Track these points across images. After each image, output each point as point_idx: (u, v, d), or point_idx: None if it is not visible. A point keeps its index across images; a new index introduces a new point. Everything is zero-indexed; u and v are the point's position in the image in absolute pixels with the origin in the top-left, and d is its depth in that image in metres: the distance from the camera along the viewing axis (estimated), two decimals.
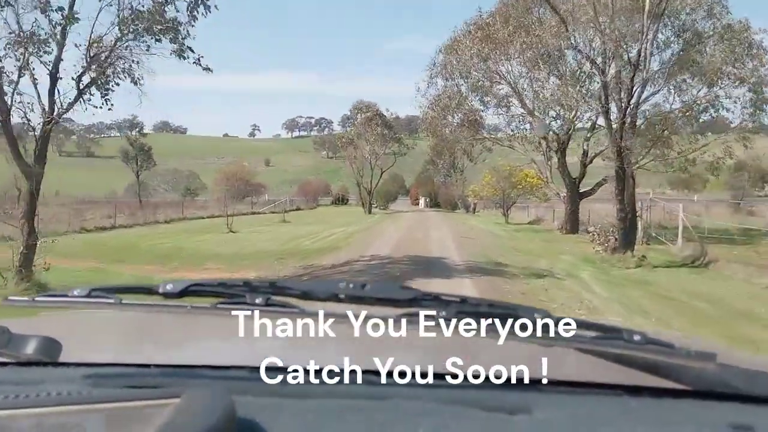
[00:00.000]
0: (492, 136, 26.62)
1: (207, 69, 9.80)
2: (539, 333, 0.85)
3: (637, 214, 15.77)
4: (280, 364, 0.96)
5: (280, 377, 0.92)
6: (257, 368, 0.95)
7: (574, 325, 0.87)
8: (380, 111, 44.68)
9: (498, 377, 0.96)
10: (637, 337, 0.85)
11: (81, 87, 9.03)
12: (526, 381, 0.96)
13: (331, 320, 0.90)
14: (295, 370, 0.94)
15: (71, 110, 9.01)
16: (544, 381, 0.96)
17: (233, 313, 0.92)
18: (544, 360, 1.00)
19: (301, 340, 1.12)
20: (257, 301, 0.92)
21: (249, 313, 0.91)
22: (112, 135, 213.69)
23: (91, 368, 0.97)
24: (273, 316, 0.94)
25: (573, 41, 16.62)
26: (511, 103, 25.66)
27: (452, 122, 27.21)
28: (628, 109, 14.11)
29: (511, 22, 21.39)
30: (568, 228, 23.92)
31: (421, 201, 66.62)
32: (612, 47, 14.07)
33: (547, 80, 21.48)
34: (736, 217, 26.82)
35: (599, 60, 15.09)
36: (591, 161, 23.65)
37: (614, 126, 14.56)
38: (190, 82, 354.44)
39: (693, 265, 13.95)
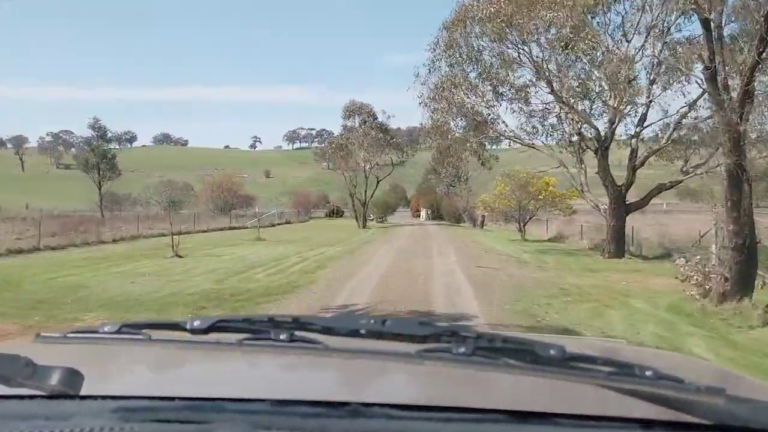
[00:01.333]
0: (509, 133, 20.59)
1: None
2: (555, 368, 0.86)
3: (757, 241, 9.93)
4: (303, 398, 0.98)
5: (302, 410, 0.93)
6: (281, 402, 0.96)
7: (588, 361, 0.89)
8: (374, 112, 39.23)
9: (514, 411, 0.96)
10: (648, 373, 0.86)
11: None
12: (542, 415, 0.96)
13: (352, 356, 0.92)
14: (317, 404, 0.95)
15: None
16: (560, 415, 0.96)
17: (258, 349, 0.94)
18: (560, 394, 1.07)
19: (322, 374, 1.24)
20: (281, 337, 0.93)
21: (274, 349, 0.93)
22: (111, 147, 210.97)
23: (118, 401, 0.96)
24: (296, 351, 0.94)
25: None
26: (531, 94, 20.02)
27: (457, 118, 21.38)
28: (759, 63, 8.34)
29: None
30: (611, 250, 18.14)
31: (423, 213, 60.60)
32: None
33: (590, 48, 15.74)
34: None
35: None
36: (643, 163, 17.92)
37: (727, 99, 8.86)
38: (192, 94, 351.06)
39: None
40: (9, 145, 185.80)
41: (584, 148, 19.17)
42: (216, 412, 0.93)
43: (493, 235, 31.48)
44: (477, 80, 20.34)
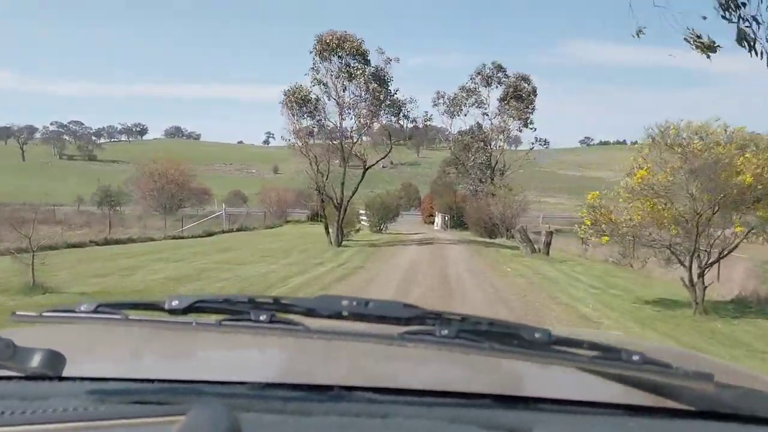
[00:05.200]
0: None
1: None
2: (540, 352, 0.82)
3: None
4: (283, 380, 0.94)
5: (282, 394, 0.89)
6: (260, 385, 0.93)
7: (574, 345, 0.85)
8: (365, 50, 21.75)
9: (499, 396, 0.93)
10: (635, 357, 0.82)
11: None
12: (527, 400, 0.93)
13: (334, 338, 0.88)
14: (298, 387, 0.92)
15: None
16: (544, 400, 0.93)
17: (237, 330, 0.88)
18: (544, 379, 1.03)
19: (304, 357, 1.18)
20: (261, 318, 0.87)
21: (253, 330, 0.87)
22: (122, 140, 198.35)
23: (95, 383, 0.93)
24: (277, 333, 0.89)
25: None
26: None
27: None
28: None
29: None
30: None
31: (438, 219, 41.90)
32: None
33: None
34: None
35: None
36: None
37: None
38: (207, 90, 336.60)
39: None
40: (22, 136, 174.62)
41: None
42: (194, 395, 0.88)
43: (605, 282, 13.81)
44: None
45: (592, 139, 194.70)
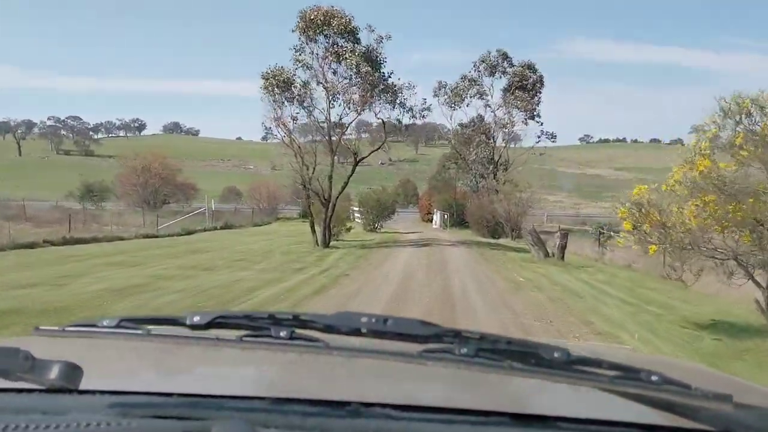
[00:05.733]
0: None
1: None
2: (559, 371, 0.82)
3: None
4: (303, 396, 0.94)
5: (301, 409, 0.89)
6: (280, 400, 0.92)
7: (593, 365, 0.84)
8: (354, 27, 19.03)
9: (517, 415, 0.92)
10: (654, 378, 0.82)
11: None
12: (545, 418, 0.92)
13: (353, 354, 0.88)
14: (316, 402, 0.91)
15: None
16: (562, 419, 0.91)
17: (258, 346, 0.89)
18: (561, 397, 1.01)
19: (322, 373, 1.16)
20: (281, 334, 0.88)
21: (273, 346, 0.88)
22: (120, 135, 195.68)
23: (115, 396, 0.92)
24: (297, 350, 0.89)
25: None
26: None
27: None
28: None
29: None
30: None
31: (437, 217, 39.02)
32: None
33: None
34: None
35: None
36: None
37: None
38: (207, 86, 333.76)
39: None
40: (19, 131, 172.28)
41: None
42: (214, 409, 0.88)
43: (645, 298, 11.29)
44: None
45: (592, 137, 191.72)
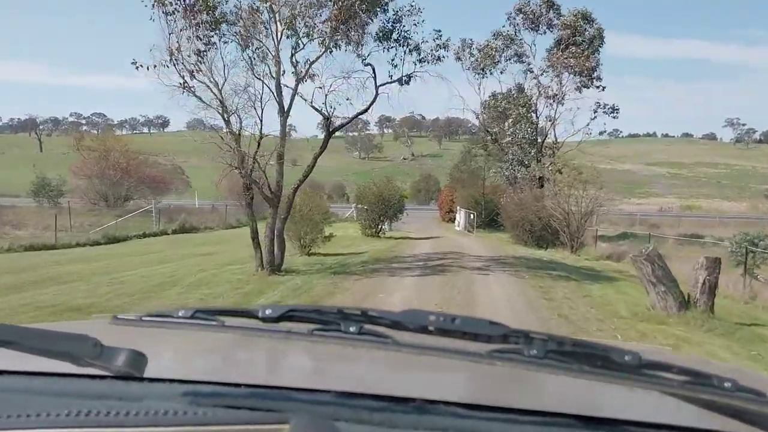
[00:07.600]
0: None
1: None
2: (630, 375, 0.80)
3: None
4: (370, 391, 0.94)
5: (367, 404, 0.88)
6: (348, 394, 0.92)
7: (664, 369, 0.82)
8: None
9: (585, 417, 0.90)
10: (727, 384, 0.79)
11: None
12: (612, 421, 0.90)
13: (422, 352, 0.86)
14: (381, 398, 0.91)
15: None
16: (630, 422, 0.90)
17: (327, 340, 0.88)
18: (628, 400, 0.99)
19: (390, 369, 1.17)
20: (351, 329, 0.87)
21: (342, 341, 0.87)
22: (144, 131, 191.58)
23: (187, 385, 0.92)
24: (365, 345, 0.88)
25: None
26: None
27: None
28: None
29: None
30: None
31: (460, 217, 30.53)
32: None
33: None
34: None
35: None
36: None
37: None
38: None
39: None
40: (42, 127, 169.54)
41: None
42: (284, 401, 0.88)
43: None
44: None
45: (621, 131, 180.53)
